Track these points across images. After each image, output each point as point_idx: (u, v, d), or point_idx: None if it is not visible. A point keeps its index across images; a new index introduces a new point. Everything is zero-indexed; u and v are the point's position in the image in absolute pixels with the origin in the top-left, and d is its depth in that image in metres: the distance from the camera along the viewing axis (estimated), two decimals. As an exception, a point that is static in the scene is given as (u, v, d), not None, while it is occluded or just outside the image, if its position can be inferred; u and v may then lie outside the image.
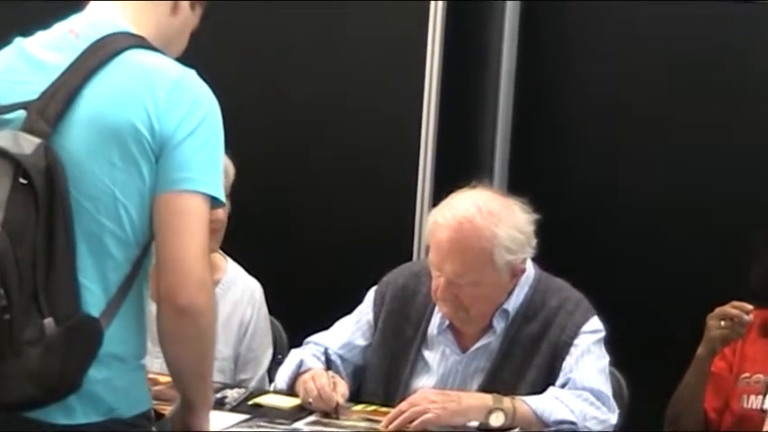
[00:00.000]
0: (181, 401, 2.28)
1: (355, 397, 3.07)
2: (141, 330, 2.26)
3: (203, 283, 2.16)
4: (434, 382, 3.03)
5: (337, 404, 2.94)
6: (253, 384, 3.41)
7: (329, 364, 3.10)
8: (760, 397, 3.03)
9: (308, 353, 3.14)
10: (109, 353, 2.17)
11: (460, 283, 2.95)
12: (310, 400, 2.96)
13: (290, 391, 3.10)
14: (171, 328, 2.17)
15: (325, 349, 3.13)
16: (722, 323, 3.08)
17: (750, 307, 3.08)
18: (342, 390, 2.98)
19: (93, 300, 2.16)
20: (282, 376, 3.15)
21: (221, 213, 3.29)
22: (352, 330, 3.19)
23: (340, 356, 3.15)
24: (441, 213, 2.98)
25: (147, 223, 2.18)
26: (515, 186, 3.76)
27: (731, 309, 3.08)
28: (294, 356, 3.16)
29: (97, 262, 2.17)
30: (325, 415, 2.93)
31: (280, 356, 3.62)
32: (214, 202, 2.21)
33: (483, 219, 2.94)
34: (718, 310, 3.11)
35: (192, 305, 2.14)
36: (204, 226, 2.19)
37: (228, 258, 3.54)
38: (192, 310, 2.15)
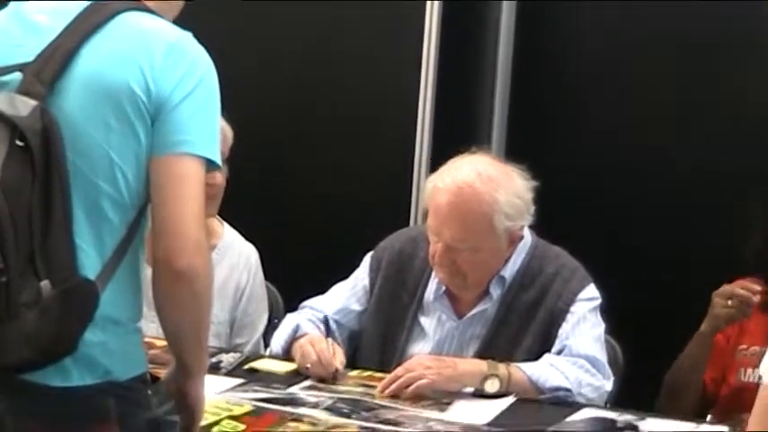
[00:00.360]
0: (176, 366, 2.28)
1: (351, 362, 3.08)
2: (137, 293, 2.26)
3: (200, 246, 2.16)
4: (430, 348, 3.04)
5: (336, 370, 2.94)
6: (248, 349, 3.42)
7: (328, 332, 3.09)
8: (757, 370, 3.04)
9: (304, 318, 3.14)
10: (105, 316, 2.16)
11: (459, 249, 2.95)
12: (308, 365, 2.96)
13: (286, 355, 3.10)
14: (167, 291, 2.17)
15: (325, 316, 3.13)
16: (728, 302, 3.08)
17: (758, 288, 3.07)
18: (340, 357, 2.98)
19: (89, 262, 2.15)
20: (278, 341, 3.15)
21: (219, 178, 3.29)
22: (347, 296, 3.19)
23: (336, 321, 3.16)
24: (440, 178, 2.98)
25: (143, 186, 2.18)
26: (513, 153, 3.76)
27: (739, 289, 3.07)
28: (290, 321, 3.16)
29: (93, 224, 2.16)
30: (321, 380, 2.93)
31: (275, 321, 3.63)
32: (210, 165, 2.20)
33: (483, 184, 2.93)
34: (725, 289, 3.10)
35: (189, 268, 2.14)
36: (200, 189, 2.18)
37: (225, 223, 3.54)
38: (188, 274, 2.14)
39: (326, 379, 2.94)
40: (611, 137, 4.14)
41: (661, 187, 4.08)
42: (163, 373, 2.51)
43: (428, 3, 4.18)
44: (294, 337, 3.09)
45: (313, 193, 4.52)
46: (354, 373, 3.03)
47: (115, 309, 2.19)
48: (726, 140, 3.96)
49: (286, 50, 4.44)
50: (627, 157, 4.13)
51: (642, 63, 4.10)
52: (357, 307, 3.17)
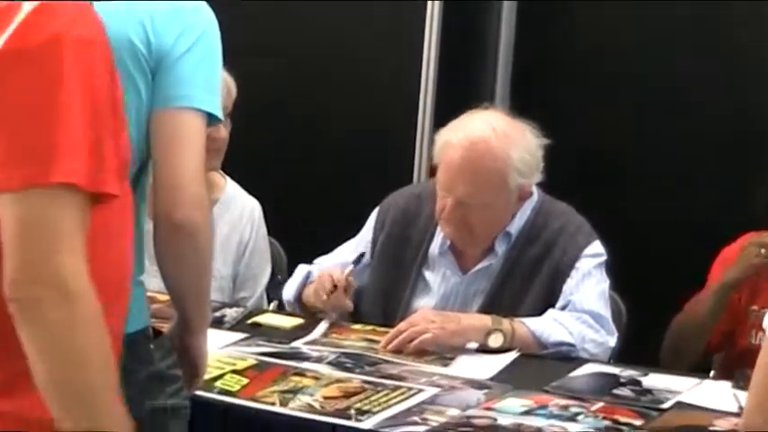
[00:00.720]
0: (178, 320, 2.28)
1: (354, 317, 3.08)
2: (139, 248, 2.25)
3: (199, 200, 2.15)
4: (434, 303, 3.03)
5: (345, 287, 2.96)
6: (251, 303, 3.41)
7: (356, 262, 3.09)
8: None
9: (315, 267, 3.15)
10: None
11: (470, 204, 2.93)
12: (324, 296, 2.96)
13: (298, 302, 3.11)
14: (167, 245, 2.16)
15: (360, 255, 3.12)
16: (762, 251, 3.06)
17: None
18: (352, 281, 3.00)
19: None
20: (290, 289, 3.17)
21: (223, 132, 3.28)
22: (354, 254, 3.18)
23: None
24: (453, 133, 2.96)
25: (143, 140, 2.17)
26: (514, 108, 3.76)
27: None
28: (302, 270, 3.18)
29: None
30: (331, 327, 2.94)
31: (279, 277, 3.63)
32: (211, 119, 2.19)
33: (498, 140, 2.92)
34: (758, 239, 3.09)
35: (188, 222, 2.13)
36: (201, 143, 2.17)
37: (227, 177, 3.53)
38: (187, 228, 2.13)
39: (340, 316, 2.95)
40: (611, 136, 4.14)
41: (668, 145, 4.07)
42: (166, 327, 2.51)
43: (429, 2, 4.18)
44: (305, 283, 3.10)
45: (317, 150, 4.51)
46: (358, 326, 3.03)
47: None
48: (737, 94, 3.95)
49: (293, 12, 4.43)
50: (631, 116, 4.13)
51: (642, 63, 4.09)
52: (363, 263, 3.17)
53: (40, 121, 1.65)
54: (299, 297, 3.12)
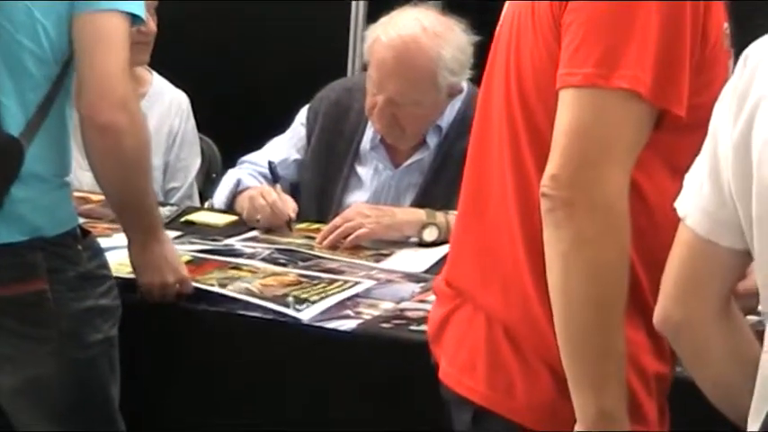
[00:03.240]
0: (126, 236, 2.31)
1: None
2: (64, 149, 2.24)
3: (124, 101, 2.14)
4: (367, 198, 3.04)
5: (289, 218, 2.93)
6: (181, 193, 3.44)
7: (276, 178, 3.06)
8: None
9: (245, 172, 3.12)
10: (30, 172, 2.15)
11: (400, 103, 2.93)
12: (258, 216, 2.94)
13: (229, 210, 3.09)
14: (94, 145, 2.17)
15: (270, 162, 3.09)
16: None
17: None
18: (292, 205, 2.96)
19: (13, 119, 2.14)
20: (220, 196, 3.13)
21: (152, 26, 3.26)
22: (286, 147, 3.17)
23: None
24: (384, 30, 2.93)
25: (66, 41, 2.15)
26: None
27: None
28: (231, 176, 3.14)
29: (16, 81, 2.15)
30: (266, 231, 2.92)
31: (214, 176, 3.62)
32: (135, 20, 2.17)
33: (429, 39, 2.90)
34: None
35: (112, 124, 2.12)
36: (124, 44, 2.15)
37: (154, 72, 3.51)
38: (112, 129, 2.13)
39: (279, 229, 2.92)
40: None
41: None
42: (97, 227, 2.51)
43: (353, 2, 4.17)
44: (236, 191, 3.07)
45: (249, 46, 4.47)
46: (302, 225, 3.01)
47: (41, 165, 2.17)
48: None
49: None
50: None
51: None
52: (297, 156, 3.16)
53: (616, 25, 1.62)
54: (230, 205, 3.09)
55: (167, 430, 2.48)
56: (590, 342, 1.62)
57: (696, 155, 1.61)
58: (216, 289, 2.45)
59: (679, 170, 1.64)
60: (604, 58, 1.61)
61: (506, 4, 1.86)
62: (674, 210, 1.62)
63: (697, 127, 1.61)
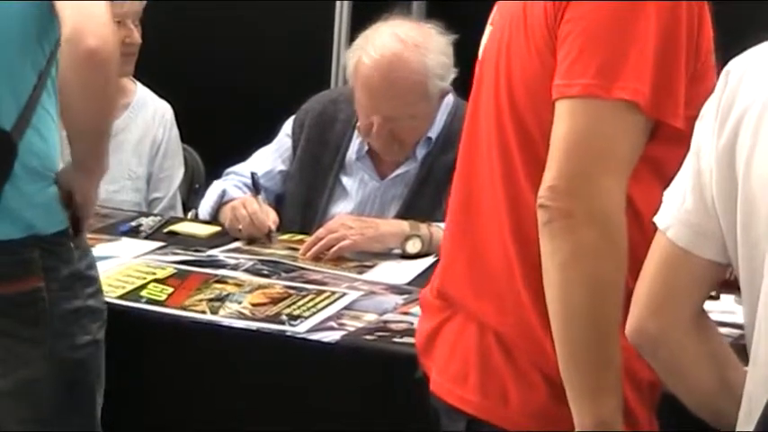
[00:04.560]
0: (73, 160, 2.23)
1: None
2: (55, 143, 2.23)
3: (110, 30, 2.09)
4: (352, 208, 3.03)
5: (270, 230, 2.92)
6: (164, 203, 3.44)
7: (258, 189, 3.06)
8: None
9: (230, 183, 3.12)
10: (25, 166, 2.14)
11: (397, 119, 2.93)
12: (240, 226, 2.94)
13: (213, 221, 3.08)
14: (78, 73, 2.08)
15: (252, 175, 3.08)
16: None
17: None
18: (273, 217, 2.96)
19: (4, 113, 2.12)
20: (205, 207, 3.13)
21: (136, 37, 3.27)
22: (272, 158, 3.17)
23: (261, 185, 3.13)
24: (364, 52, 2.92)
25: (53, 26, 2.12)
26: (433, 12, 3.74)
27: None
28: (216, 187, 3.14)
29: (6, 73, 2.13)
30: (249, 242, 2.92)
31: (197, 186, 3.62)
32: None
33: (411, 52, 2.90)
34: None
35: (102, 48, 2.06)
36: None
37: (138, 82, 3.51)
38: (101, 54, 2.06)
39: (260, 240, 2.91)
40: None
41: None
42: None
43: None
44: (221, 202, 3.07)
45: (233, 58, 4.47)
46: (286, 236, 3.01)
47: (34, 157, 2.16)
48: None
49: None
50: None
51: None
52: (283, 167, 3.15)
53: (614, 37, 1.61)
54: (215, 216, 3.09)
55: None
56: (589, 352, 1.62)
57: None
58: (208, 317, 2.44)
59: (670, 180, 1.64)
60: (603, 70, 1.61)
61: (493, 11, 1.86)
62: None
63: (687, 138, 1.62)
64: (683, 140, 1.63)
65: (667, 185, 1.64)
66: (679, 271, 1.59)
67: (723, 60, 1.63)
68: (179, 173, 3.52)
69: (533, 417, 1.73)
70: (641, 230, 1.67)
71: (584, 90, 1.61)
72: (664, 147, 1.67)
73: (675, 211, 1.59)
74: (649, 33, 1.61)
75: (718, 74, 1.60)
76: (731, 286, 1.67)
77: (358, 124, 3.00)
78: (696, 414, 1.65)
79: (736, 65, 1.58)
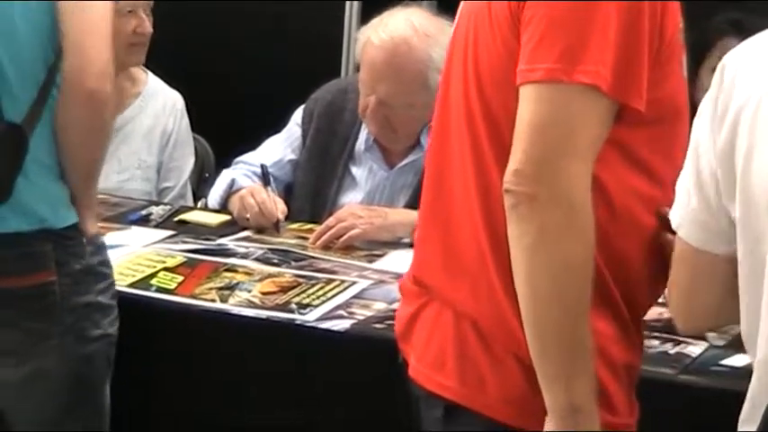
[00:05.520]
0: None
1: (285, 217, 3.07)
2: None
3: (110, 71, 2.13)
4: (361, 198, 3.04)
5: (278, 220, 2.93)
6: (174, 192, 3.45)
7: (267, 180, 3.06)
8: None
9: (240, 173, 3.13)
10: (35, 159, 2.15)
11: (392, 105, 2.93)
12: (248, 215, 2.94)
13: (222, 210, 3.09)
14: (76, 113, 2.14)
15: (262, 166, 3.09)
16: None
17: None
18: (281, 207, 2.97)
19: (14, 107, 2.13)
20: (214, 196, 3.14)
21: (148, 27, 3.28)
22: (282, 148, 3.17)
23: (271, 174, 3.14)
24: (375, 32, 2.93)
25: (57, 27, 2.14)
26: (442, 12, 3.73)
27: None
28: (225, 176, 3.14)
29: (17, 66, 2.14)
30: (258, 232, 2.92)
31: (206, 176, 3.63)
32: None
33: (419, 40, 2.90)
34: None
35: (101, 91, 2.11)
36: (107, 20, 2.13)
37: (149, 72, 3.52)
38: (99, 96, 2.11)
39: (268, 229, 2.92)
40: None
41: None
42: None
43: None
44: (230, 191, 3.07)
45: (243, 46, 4.47)
46: (295, 225, 3.01)
47: (45, 152, 2.17)
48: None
49: None
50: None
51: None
52: (292, 156, 3.16)
53: (576, 21, 1.62)
54: (224, 205, 3.10)
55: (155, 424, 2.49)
56: (557, 336, 1.63)
57: (655, 149, 1.65)
58: (218, 306, 2.45)
59: (639, 162, 1.66)
60: (566, 54, 1.61)
61: (461, 3, 1.87)
62: (636, 201, 1.66)
63: (654, 121, 1.64)
64: (648, 122, 1.65)
65: (636, 166, 1.66)
66: (696, 269, 1.61)
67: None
68: (189, 162, 3.54)
69: (511, 403, 1.74)
70: (612, 213, 1.68)
71: (547, 74, 1.62)
72: (629, 129, 1.67)
73: (683, 210, 1.61)
74: (611, 17, 1.62)
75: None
76: None
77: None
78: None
79: (731, 59, 1.58)
